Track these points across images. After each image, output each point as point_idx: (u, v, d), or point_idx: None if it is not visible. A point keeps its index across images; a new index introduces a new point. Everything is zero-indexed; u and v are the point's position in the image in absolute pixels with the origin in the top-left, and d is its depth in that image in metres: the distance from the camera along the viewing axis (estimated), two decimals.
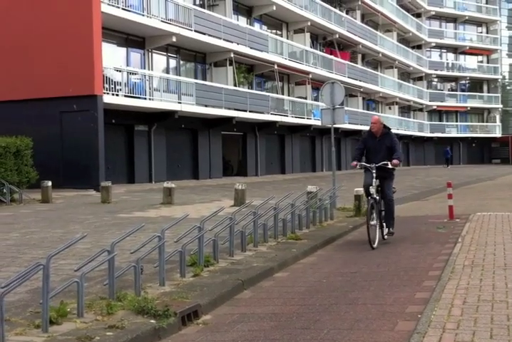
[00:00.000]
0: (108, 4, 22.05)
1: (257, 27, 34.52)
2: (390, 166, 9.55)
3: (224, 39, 28.65)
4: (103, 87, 21.80)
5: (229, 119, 29.03)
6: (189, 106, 26.17)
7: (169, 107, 25.19)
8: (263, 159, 34.20)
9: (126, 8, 23.13)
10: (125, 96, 23.27)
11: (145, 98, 24.24)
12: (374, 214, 9.41)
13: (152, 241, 6.30)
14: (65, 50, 21.57)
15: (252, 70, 34.18)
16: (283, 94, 36.55)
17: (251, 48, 30.93)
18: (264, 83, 36.67)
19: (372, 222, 9.25)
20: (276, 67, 33.24)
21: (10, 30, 22.33)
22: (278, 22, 37.46)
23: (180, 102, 25.82)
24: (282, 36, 37.14)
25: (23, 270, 6.17)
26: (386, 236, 9.77)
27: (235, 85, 30.66)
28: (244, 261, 7.63)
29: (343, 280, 6.99)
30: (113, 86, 22.56)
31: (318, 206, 11.74)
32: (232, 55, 29.57)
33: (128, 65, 24.87)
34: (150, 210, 14.78)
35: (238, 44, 29.91)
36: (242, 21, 32.95)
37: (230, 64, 30.33)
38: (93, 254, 5.60)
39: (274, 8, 33.55)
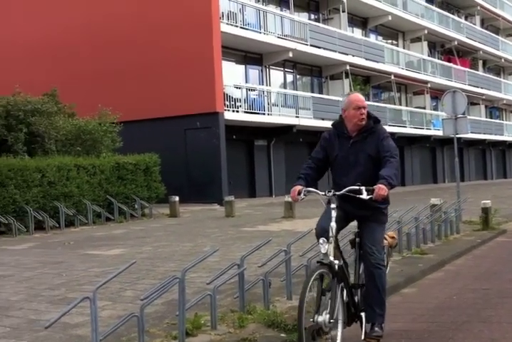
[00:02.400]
0: (227, 24, 22.78)
1: (372, 38, 34.31)
2: (365, 196, 4.64)
3: (339, 52, 28.70)
4: (224, 104, 22.49)
5: None
6: (306, 120, 26.37)
7: (287, 121, 25.50)
8: None
9: (244, 26, 23.77)
10: (245, 112, 23.84)
11: (264, 113, 24.70)
12: (330, 300, 4.48)
13: (278, 255, 6.40)
14: (187, 71, 22.44)
15: (368, 82, 33.91)
16: (401, 104, 35.96)
17: (367, 59, 30.75)
18: (381, 94, 36.27)
19: (319, 318, 4.41)
20: (393, 77, 32.80)
21: (136, 55, 23.52)
22: (394, 32, 37.00)
23: (297, 117, 26.09)
24: (398, 46, 36.65)
25: (157, 282, 6.51)
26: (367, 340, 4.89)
27: None
28: None
29: (474, 297, 6.78)
30: (233, 103, 23.22)
31: (443, 219, 11.43)
32: (347, 67, 29.53)
33: (246, 82, 25.48)
34: (273, 224, 15.01)
35: (354, 56, 29.84)
36: (357, 33, 32.88)
37: (346, 76, 30.28)
38: (222, 267, 5.79)
39: (390, 18, 33.22)
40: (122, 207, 17.36)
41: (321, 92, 30.38)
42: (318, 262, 4.58)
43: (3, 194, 14.64)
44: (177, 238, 12.49)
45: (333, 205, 4.71)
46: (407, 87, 37.36)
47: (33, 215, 14.81)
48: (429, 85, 36.44)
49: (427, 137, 35.72)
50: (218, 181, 22.10)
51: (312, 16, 30.90)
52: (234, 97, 23.46)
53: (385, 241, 5.25)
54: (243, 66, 26.23)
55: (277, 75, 28.25)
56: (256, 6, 25.19)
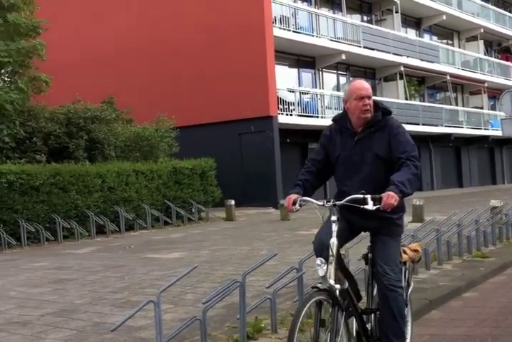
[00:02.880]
0: (280, 28, 22.89)
1: (426, 38, 33.87)
2: (371, 207, 3.86)
3: (393, 53, 28.44)
4: (278, 107, 22.58)
5: None
6: None
7: None
8: (438, 172, 33.20)
9: (297, 30, 23.83)
10: (299, 115, 23.86)
11: (318, 117, 24.67)
12: (329, 333, 3.72)
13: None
14: (241, 76, 22.63)
15: (423, 83, 33.47)
16: (457, 105, 35.33)
17: (421, 60, 30.37)
18: (436, 95, 35.74)
19: None
20: (448, 77, 32.27)
21: (190, 62, 23.85)
22: (448, 31, 36.41)
23: None
24: (453, 46, 36.05)
25: (217, 286, 6.63)
26: None
27: (406, 99, 30.19)
28: (429, 280, 7.50)
29: None
30: (286, 106, 23.29)
31: (504, 221, 11.20)
32: (402, 68, 29.22)
33: (299, 85, 25.51)
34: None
35: (408, 57, 29.51)
36: (411, 34, 32.52)
37: (400, 78, 29.96)
38: (280, 271, 5.84)
39: (444, 17, 32.72)
40: (179, 211, 17.63)
41: (374, 94, 30.10)
42: (314, 287, 3.73)
43: (65, 199, 15.08)
44: (234, 241, 12.62)
45: (333, 217, 3.93)
46: (463, 87, 36.69)
47: (94, 219, 15.20)
48: (486, 85, 35.70)
49: (485, 138, 34.97)
50: (273, 184, 22.18)
51: (365, 18, 30.70)
52: (287, 100, 23.52)
53: (404, 256, 4.48)
54: (296, 70, 26.27)
55: (330, 78, 28.18)
56: (308, 10, 25.23)
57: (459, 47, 36.41)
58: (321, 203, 4.04)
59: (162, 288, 4.52)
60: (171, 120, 20.02)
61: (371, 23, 29.94)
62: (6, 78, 19.44)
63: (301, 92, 24.67)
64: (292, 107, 23.70)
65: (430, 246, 8.37)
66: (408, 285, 4.60)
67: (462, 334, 5.44)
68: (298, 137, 24.84)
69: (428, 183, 32.43)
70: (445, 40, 36.29)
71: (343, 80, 29.08)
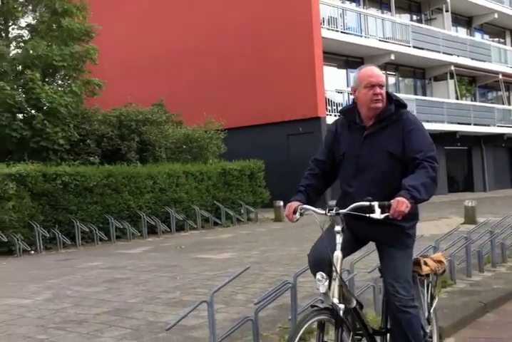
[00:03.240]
0: (328, 29, 22.84)
1: (477, 37, 33.25)
2: (378, 215, 3.41)
3: (443, 52, 28.06)
4: (326, 108, 22.53)
5: (453, 133, 28.15)
6: None
7: None
8: (491, 173, 32.54)
9: (345, 31, 23.74)
10: None
11: None
12: None
13: None
14: (289, 77, 22.67)
15: (474, 82, 32.90)
16: (509, 104, 34.56)
17: (472, 59, 29.87)
18: (487, 94, 35.05)
19: None
20: (501, 76, 31.64)
21: (238, 64, 23.99)
22: (500, 30, 35.68)
23: None
24: (505, 44, 35.28)
25: (267, 286, 6.68)
26: None
27: (457, 99, 29.71)
28: (483, 283, 7.39)
29: None
30: (334, 107, 23.20)
31: None
32: (452, 68, 28.79)
33: (348, 86, 25.37)
34: None
35: (459, 56, 29.05)
36: (461, 32, 32.02)
37: (451, 77, 29.51)
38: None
39: (496, 16, 32.12)
40: (228, 212, 17.77)
41: (424, 94, 29.76)
42: (313, 306, 3.26)
43: (118, 200, 15.38)
44: (283, 242, 12.65)
45: (337, 228, 3.48)
46: None
47: (146, 220, 15.46)
48: None
49: None
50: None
51: (414, 17, 30.36)
52: (335, 101, 23.44)
53: (425, 268, 4.03)
54: (344, 70, 26.15)
55: None
56: (357, 10, 25.11)
57: (511, 45, 35.69)
58: (323, 212, 3.56)
59: (215, 289, 4.59)
60: (220, 122, 20.19)
61: (421, 23, 29.60)
62: (60, 82, 19.96)
63: (350, 93, 24.48)
64: (340, 108, 23.58)
65: (483, 249, 8.25)
66: (433, 299, 4.19)
67: None
68: None
69: (480, 184, 31.82)
70: (496, 39, 35.56)
71: (392, 80, 28.81)
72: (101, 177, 15.15)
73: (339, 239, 3.48)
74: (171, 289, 7.73)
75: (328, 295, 3.33)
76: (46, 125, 16.53)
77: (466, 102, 30.72)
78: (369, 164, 3.68)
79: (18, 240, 12.90)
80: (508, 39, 36.23)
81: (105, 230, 14.70)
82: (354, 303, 3.56)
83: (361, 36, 24.51)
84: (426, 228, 14.00)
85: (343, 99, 23.94)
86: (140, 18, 26.83)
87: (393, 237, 3.72)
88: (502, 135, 31.34)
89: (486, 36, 34.81)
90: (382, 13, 27.73)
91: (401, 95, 26.45)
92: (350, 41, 23.74)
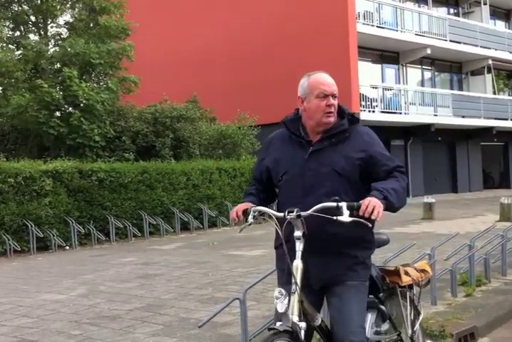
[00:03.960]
0: (363, 24, 22.66)
1: None
2: (346, 218, 2.97)
3: (481, 46, 27.59)
4: (360, 104, 22.35)
5: (489, 129, 27.67)
6: (445, 118, 25.58)
7: (425, 120, 24.86)
8: None
9: (380, 25, 23.51)
10: (381, 112, 23.54)
11: (401, 113, 24.26)
12: None
13: (421, 258, 6.31)
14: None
15: None
16: None
17: (510, 52, 29.29)
18: None
19: None
20: None
21: (273, 61, 23.92)
22: None
23: (436, 115, 25.37)
24: None
25: None
26: None
27: (494, 93, 29.20)
28: None
29: None
30: (369, 103, 23.02)
31: None
32: (490, 62, 28.28)
33: (382, 81, 25.15)
34: (411, 225, 14.74)
35: (496, 50, 28.54)
36: (499, 26, 31.43)
37: (488, 71, 29.01)
38: None
39: None
40: None
41: (461, 88, 29.31)
42: (270, 329, 2.84)
43: (152, 196, 15.52)
44: None
45: (298, 233, 3.03)
46: None
47: (179, 216, 15.57)
48: None
49: None
50: None
51: (451, 11, 29.90)
52: (370, 97, 23.25)
53: (406, 278, 3.62)
54: (379, 65, 25.89)
55: (414, 73, 27.61)
56: (393, 4, 24.80)
57: None
58: (281, 214, 3.09)
59: (247, 286, 4.60)
60: (253, 118, 20.19)
61: (458, 16, 29.15)
62: (96, 79, 20.21)
63: (385, 89, 24.32)
64: (374, 104, 23.41)
65: None
66: (418, 314, 3.79)
67: None
68: (381, 133, 24.07)
69: None
70: None
71: (428, 75, 28.45)
72: (136, 173, 15.29)
73: (299, 245, 3.02)
74: (203, 286, 7.79)
75: (287, 315, 2.87)
76: (83, 122, 16.74)
77: (504, 96, 30.15)
78: (316, 183, 3.17)
79: (53, 236, 13.11)
80: None
81: (138, 226, 14.85)
82: (319, 320, 3.09)
83: (396, 30, 24.23)
84: (461, 225, 13.85)
85: (377, 94, 23.73)
86: (176, 16, 26.95)
87: (349, 269, 3.17)
88: None
89: None
90: (419, 7, 27.37)
91: (437, 90, 26.18)
92: (386, 36, 23.47)
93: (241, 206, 3.28)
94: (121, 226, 14.44)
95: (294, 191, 3.21)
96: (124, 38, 19.14)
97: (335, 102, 3.24)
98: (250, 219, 3.19)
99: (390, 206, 3.06)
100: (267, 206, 3.33)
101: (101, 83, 19.61)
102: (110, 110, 18.09)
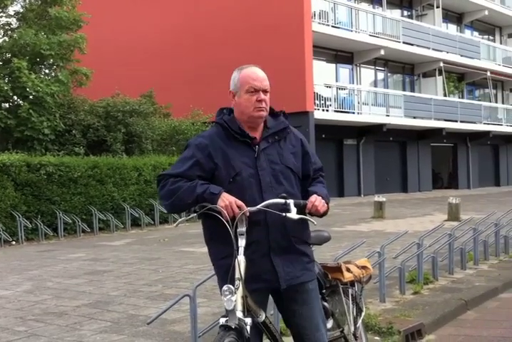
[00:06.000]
0: (319, 23, 22.80)
1: (467, 34, 33.35)
2: (293, 215, 2.93)
3: (433, 49, 28.13)
4: (314, 103, 22.50)
5: (439, 130, 28.26)
6: (397, 118, 25.98)
7: (377, 120, 25.21)
8: (475, 170, 32.72)
9: (335, 25, 23.71)
10: (335, 111, 23.76)
11: (354, 112, 24.52)
12: None
13: (370, 256, 6.37)
14: (278, 70, 22.46)
15: (462, 79, 33.00)
16: (496, 102, 34.75)
17: (461, 55, 29.97)
18: (475, 91, 35.19)
19: None
20: (489, 74, 31.77)
21: (227, 56, 23.83)
22: (490, 27, 35.82)
23: (388, 115, 25.75)
24: (494, 41, 35.44)
25: None
26: None
27: (445, 95, 29.81)
28: (465, 280, 7.41)
29: None
30: (323, 102, 23.19)
31: None
32: (441, 64, 28.87)
33: (337, 81, 25.38)
34: (362, 224, 14.90)
35: (448, 53, 29.16)
36: (451, 29, 32.14)
37: (440, 74, 29.59)
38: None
39: (486, 12, 32.23)
40: None
41: (412, 90, 29.82)
42: (222, 326, 2.81)
43: (102, 191, 15.29)
44: None
45: (241, 229, 2.96)
46: (504, 84, 36.07)
47: (129, 212, 15.38)
48: None
49: None
50: None
51: (405, 13, 30.40)
52: (324, 96, 23.43)
53: (347, 275, 3.62)
54: (334, 65, 26.13)
55: (367, 74, 27.97)
56: (348, 4, 25.05)
57: (500, 43, 35.82)
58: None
59: (197, 283, 4.55)
60: (207, 114, 20.10)
61: (412, 18, 29.66)
62: (47, 71, 19.78)
63: (339, 88, 24.53)
64: (328, 103, 23.60)
65: (466, 246, 8.27)
66: (360, 311, 3.79)
67: (498, 335, 5.37)
68: (334, 133, 24.73)
69: (464, 181, 32.01)
70: (486, 36, 35.71)
71: (381, 75, 28.85)
72: (86, 168, 15.05)
73: (241, 241, 2.93)
74: (153, 282, 7.69)
75: (234, 312, 2.80)
76: (32, 114, 16.36)
77: (454, 99, 30.81)
78: (272, 181, 3.08)
79: None
80: (497, 36, 36.39)
81: (88, 222, 14.61)
82: (263, 316, 3.03)
83: (351, 31, 24.48)
84: (409, 224, 14.07)
85: (331, 94, 23.92)
86: (131, 9, 26.62)
87: (306, 269, 3.12)
88: (488, 132, 31.48)
89: (476, 33, 34.92)
90: (373, 8, 27.73)
91: (390, 91, 26.57)
92: (340, 36, 23.70)
93: (234, 200, 2.95)
94: (70, 221, 14.18)
95: (251, 191, 3.05)
96: (76, 30, 18.76)
97: (266, 97, 3.14)
98: (192, 214, 3.04)
99: (327, 209, 3.11)
100: None
101: (52, 75, 19.18)
102: (61, 103, 17.74)
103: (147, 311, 6.03)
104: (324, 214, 3.10)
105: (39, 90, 16.48)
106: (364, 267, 3.83)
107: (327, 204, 3.09)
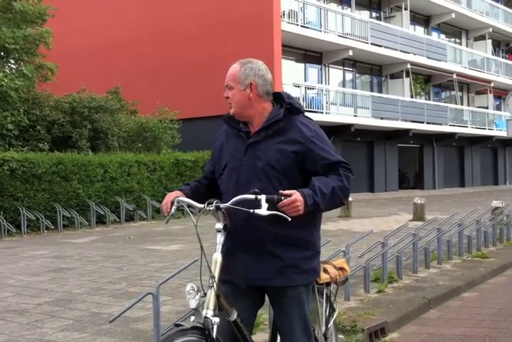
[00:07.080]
0: (288, 22, 22.81)
1: (434, 36, 33.81)
2: (263, 211, 2.76)
3: (400, 50, 28.38)
4: None
5: (406, 131, 28.54)
6: (365, 119, 26.16)
7: (345, 120, 25.35)
8: (441, 171, 33.16)
9: (305, 25, 23.77)
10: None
11: (322, 112, 24.62)
12: None
13: (336, 256, 6.39)
14: None
15: (429, 81, 33.40)
16: (462, 104, 35.27)
17: (428, 58, 30.30)
18: (441, 93, 35.67)
19: None
20: (455, 76, 32.20)
21: (195, 53, 23.76)
22: (457, 30, 36.33)
23: (355, 116, 25.91)
24: (461, 44, 35.98)
25: None
26: None
27: (412, 97, 30.13)
28: (428, 279, 7.49)
29: None
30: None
31: (505, 222, 11.17)
32: (408, 66, 29.16)
33: (305, 81, 25.45)
34: (328, 223, 14.96)
35: (415, 55, 29.46)
36: (419, 31, 32.47)
37: (407, 75, 29.89)
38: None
39: (453, 15, 32.67)
40: None
41: (380, 91, 30.07)
42: (178, 325, 2.65)
43: (67, 188, 15.09)
44: None
45: (218, 225, 2.92)
46: (469, 87, 36.61)
47: (94, 209, 15.21)
48: (492, 85, 35.62)
49: (489, 138, 34.92)
50: None
51: (374, 14, 30.62)
52: (292, 95, 23.45)
53: (324, 276, 3.47)
54: (302, 65, 26.21)
55: (336, 74, 28.11)
56: (317, 5, 25.11)
57: (467, 46, 36.33)
58: (201, 205, 2.95)
59: (161, 281, 4.50)
60: (174, 112, 19.97)
61: (380, 20, 29.88)
62: (11, 66, 19.43)
63: (307, 88, 24.61)
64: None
65: (430, 246, 8.36)
66: (333, 311, 3.68)
67: (460, 334, 5.43)
68: None
69: (430, 182, 32.41)
70: (453, 39, 36.20)
71: (349, 76, 29.02)
72: (50, 164, 14.84)
73: (220, 238, 2.91)
74: (117, 280, 7.61)
75: (199, 311, 2.72)
76: None
77: (420, 100, 31.16)
78: (251, 178, 2.99)
79: None
80: (463, 39, 36.91)
81: (52, 219, 14.40)
82: (235, 315, 2.92)
83: (320, 31, 24.57)
84: (375, 224, 14.20)
85: (300, 93, 23.98)
86: (99, 3, 26.32)
87: (278, 272, 2.97)
88: (453, 134, 31.92)
89: (443, 36, 35.37)
90: (342, 8, 27.88)
91: (358, 91, 26.73)
92: (309, 35, 23.75)
93: (170, 197, 3.10)
94: (33, 218, 13.97)
95: (229, 186, 3.06)
96: (42, 24, 18.45)
97: (229, 92, 3.08)
98: (173, 210, 3.06)
99: (315, 207, 2.85)
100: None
101: (16, 70, 18.85)
102: (25, 98, 17.46)
103: (111, 309, 5.96)
104: (318, 210, 2.90)
105: (3, 85, 16.19)
106: (341, 268, 3.73)
107: (314, 200, 2.82)
